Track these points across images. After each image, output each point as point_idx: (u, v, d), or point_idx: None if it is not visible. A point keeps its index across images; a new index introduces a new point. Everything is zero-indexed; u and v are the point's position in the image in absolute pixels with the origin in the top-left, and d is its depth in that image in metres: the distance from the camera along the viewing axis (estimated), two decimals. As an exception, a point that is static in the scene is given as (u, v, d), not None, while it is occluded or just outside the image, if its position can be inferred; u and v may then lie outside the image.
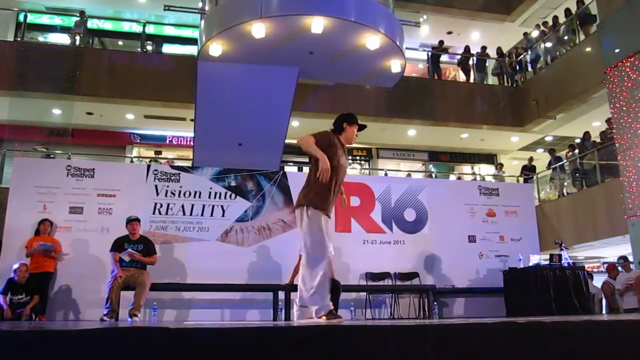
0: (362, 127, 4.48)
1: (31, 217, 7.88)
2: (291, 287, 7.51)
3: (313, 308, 3.99)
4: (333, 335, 1.79)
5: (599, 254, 13.69)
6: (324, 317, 3.89)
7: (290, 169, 12.80)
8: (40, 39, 14.09)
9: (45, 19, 14.67)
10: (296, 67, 8.67)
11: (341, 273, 7.82)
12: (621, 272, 9.02)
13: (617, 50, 9.80)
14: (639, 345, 1.94)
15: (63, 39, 13.80)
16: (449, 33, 16.58)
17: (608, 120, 10.76)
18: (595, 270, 12.00)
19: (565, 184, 12.10)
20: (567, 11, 13.21)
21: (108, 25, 15.47)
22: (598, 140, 11.65)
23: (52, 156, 11.68)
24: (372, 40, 7.84)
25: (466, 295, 9.45)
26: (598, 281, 9.91)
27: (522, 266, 8.61)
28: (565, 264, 8.44)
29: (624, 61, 9.54)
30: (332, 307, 4.02)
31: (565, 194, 11.79)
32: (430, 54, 14.84)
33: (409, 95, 12.75)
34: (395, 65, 8.56)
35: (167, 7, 8.79)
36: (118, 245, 6.97)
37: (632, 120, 9.27)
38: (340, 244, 8.12)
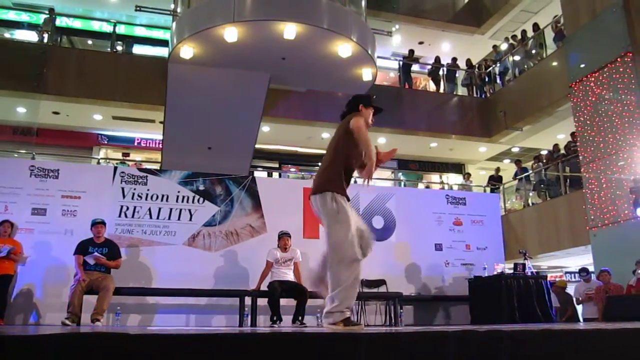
0: (379, 111, 4.04)
1: (-8, 217, 7.66)
2: (258, 293, 7.48)
3: (330, 313, 3.51)
4: (302, 342, 1.78)
5: (561, 263, 13.99)
6: (341, 324, 3.45)
7: (259, 174, 12.75)
8: (7, 35, 13.78)
9: (12, 15, 14.34)
10: (268, 73, 8.67)
11: (308, 280, 7.80)
12: (580, 281, 9.28)
13: (582, 66, 10.05)
14: (594, 353, 1.99)
15: (30, 36, 13.51)
16: (421, 43, 16.80)
17: (572, 133, 11.01)
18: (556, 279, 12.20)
19: (531, 194, 12.34)
20: (535, 26, 13.51)
21: (77, 24, 15.20)
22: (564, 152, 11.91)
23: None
24: (344, 48, 7.90)
25: (432, 303, 9.54)
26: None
27: (487, 275, 8.73)
28: (529, 273, 8.60)
29: (588, 76, 9.79)
30: (349, 315, 3.54)
31: (530, 205, 12.02)
32: (401, 63, 15.00)
33: (379, 104, 12.79)
34: (366, 74, 8.63)
35: (138, 8, 8.72)
36: (82, 248, 6.83)
37: (596, 134, 9.52)
38: (307, 250, 8.10)
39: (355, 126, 3.67)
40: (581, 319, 8.99)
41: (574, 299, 9.23)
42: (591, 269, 9.31)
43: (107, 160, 13.61)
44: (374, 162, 3.63)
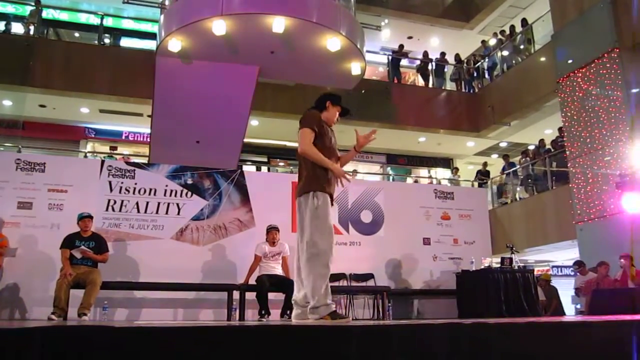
0: (345, 112, 4.03)
1: (-24, 211, 7.59)
2: (246, 287, 7.48)
3: (316, 308, 3.59)
4: (291, 335, 1.78)
5: (548, 257, 14.11)
6: (328, 318, 3.51)
7: (248, 168, 12.73)
8: (-8, 27, 13.60)
9: (-3, 7, 14.16)
10: (256, 66, 8.64)
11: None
12: (577, 275, 9.33)
13: (570, 61, 10.10)
14: (578, 344, 2.01)
15: (16, 28, 13.34)
16: (410, 38, 16.81)
17: (559, 129, 11.08)
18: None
19: (518, 189, 12.42)
20: (524, 21, 13.57)
21: (64, 16, 15.04)
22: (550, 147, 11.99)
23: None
24: (332, 42, 7.88)
25: (420, 297, 9.59)
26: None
27: (474, 269, 8.79)
28: (516, 267, 8.66)
29: (576, 72, 9.84)
30: (334, 308, 3.64)
31: (518, 199, 12.10)
32: (390, 57, 15.01)
33: (368, 98, 12.85)
34: (355, 68, 8.63)
35: (126, 0, 8.64)
36: (69, 242, 6.77)
37: (582, 129, 9.58)
38: (295, 244, 8.11)
39: (301, 151, 3.79)
40: (567, 311, 9.08)
41: (574, 291, 9.30)
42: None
43: (95, 154, 13.51)
44: (336, 166, 3.80)
